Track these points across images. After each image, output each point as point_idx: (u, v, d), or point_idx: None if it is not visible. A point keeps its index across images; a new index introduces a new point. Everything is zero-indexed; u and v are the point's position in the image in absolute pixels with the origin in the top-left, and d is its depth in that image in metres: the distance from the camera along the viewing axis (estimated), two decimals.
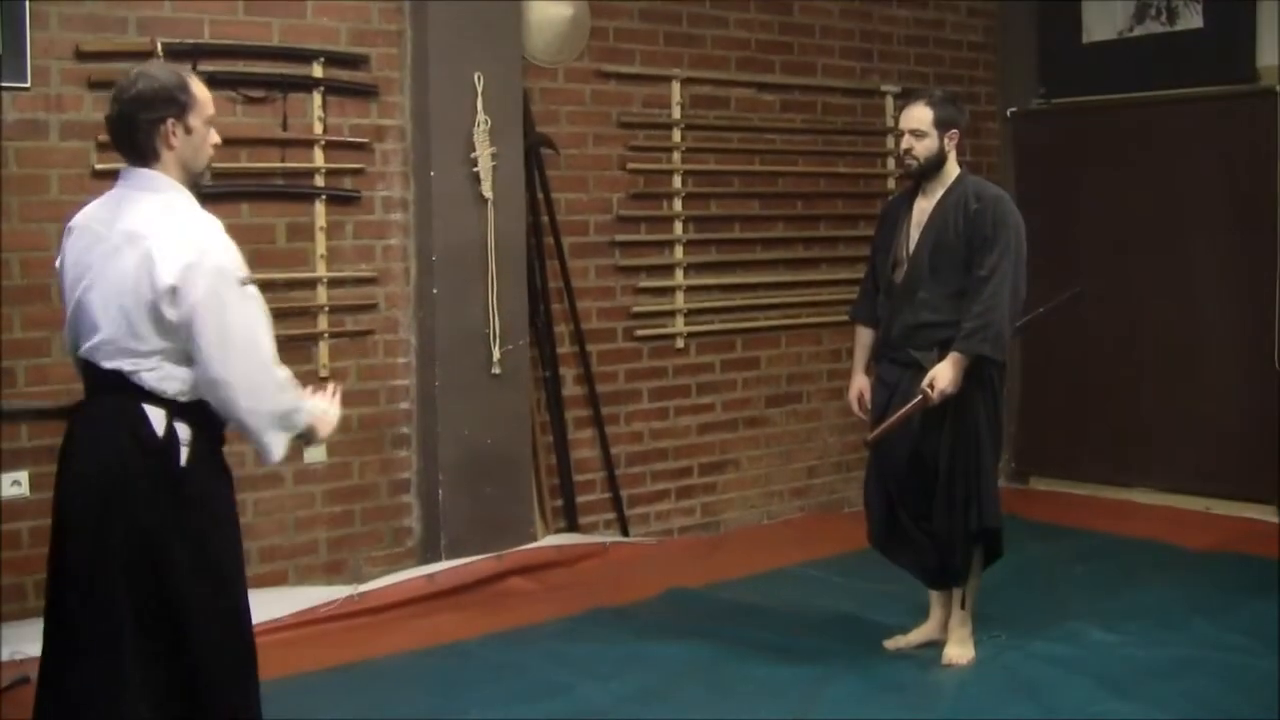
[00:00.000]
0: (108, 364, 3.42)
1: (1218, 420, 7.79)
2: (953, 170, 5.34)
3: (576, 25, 6.94)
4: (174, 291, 3.35)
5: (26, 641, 5.28)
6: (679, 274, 7.41)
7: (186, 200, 3.52)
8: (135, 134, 3.46)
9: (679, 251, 7.41)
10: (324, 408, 3.72)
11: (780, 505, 7.88)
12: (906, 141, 5.31)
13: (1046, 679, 5.18)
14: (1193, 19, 7.90)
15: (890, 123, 8.23)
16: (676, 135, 7.37)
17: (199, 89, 3.54)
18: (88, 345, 3.45)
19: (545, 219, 6.81)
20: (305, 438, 3.73)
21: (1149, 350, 8.10)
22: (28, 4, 5.42)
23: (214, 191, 5.82)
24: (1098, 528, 7.53)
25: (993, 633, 5.62)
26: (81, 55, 5.57)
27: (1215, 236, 7.81)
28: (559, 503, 6.92)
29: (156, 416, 3.42)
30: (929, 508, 5.32)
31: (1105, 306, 8.26)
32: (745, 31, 7.63)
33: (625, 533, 7.15)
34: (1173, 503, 7.90)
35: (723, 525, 7.60)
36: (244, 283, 3.48)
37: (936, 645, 5.46)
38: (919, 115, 5.29)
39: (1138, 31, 8.15)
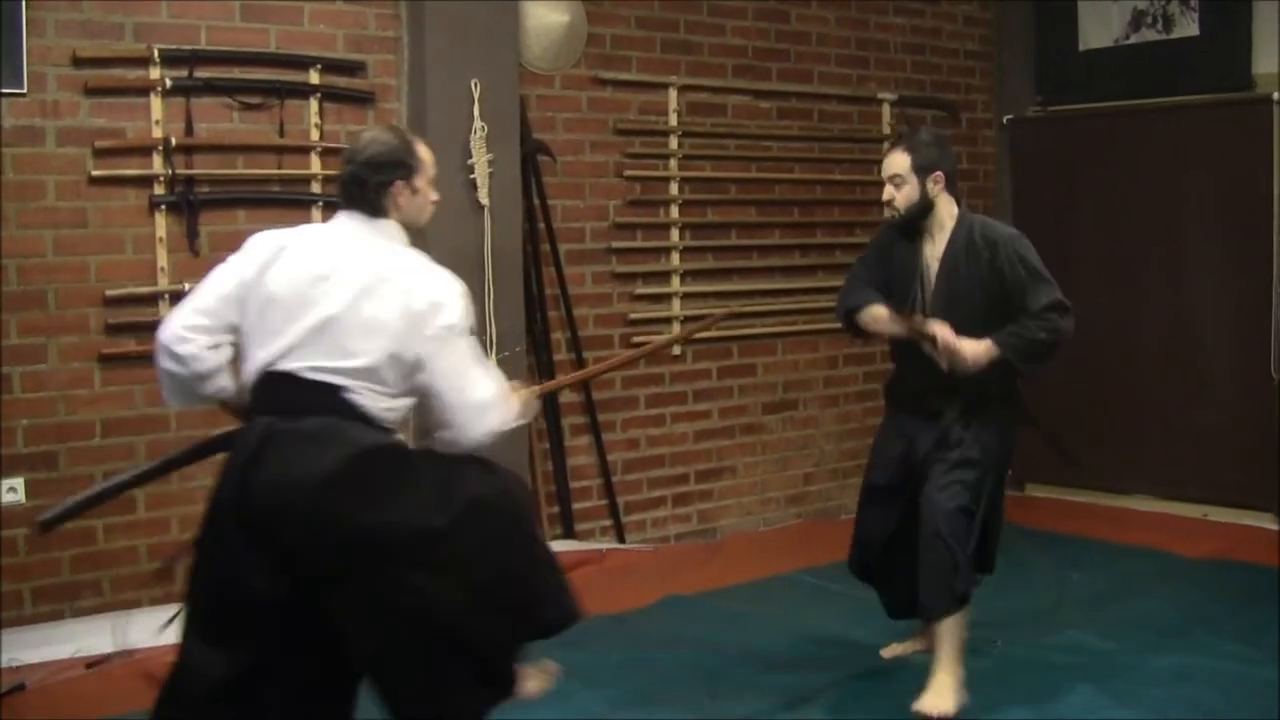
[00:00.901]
0: (323, 378, 3.57)
1: (1215, 427, 7.78)
2: (949, 211, 5.08)
3: (573, 32, 6.95)
4: (428, 334, 3.62)
5: (24, 649, 5.28)
6: (675, 281, 7.40)
7: (418, 254, 3.78)
8: (366, 193, 3.72)
9: (675, 258, 7.41)
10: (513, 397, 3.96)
11: (777, 512, 7.88)
12: (886, 192, 5.06)
13: (1044, 686, 5.17)
14: (1189, 27, 7.91)
15: (887, 130, 8.24)
16: (673, 142, 7.37)
17: (424, 152, 3.82)
18: (315, 364, 3.58)
19: (542, 226, 6.81)
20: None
21: (1146, 357, 8.09)
22: (24, 10, 5.41)
23: (210, 198, 5.86)
24: (1095, 535, 7.53)
25: (990, 640, 5.61)
26: (78, 61, 5.57)
27: (1212, 244, 7.81)
28: (555, 509, 6.92)
29: (373, 434, 3.60)
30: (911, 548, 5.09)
31: (1101, 314, 8.25)
32: (742, 39, 7.64)
33: (621, 539, 7.15)
34: (1170, 510, 7.90)
35: (719, 532, 7.60)
36: (471, 333, 3.75)
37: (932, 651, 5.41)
38: (897, 162, 5.02)
39: (1134, 39, 8.16)
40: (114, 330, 5.69)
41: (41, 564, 5.57)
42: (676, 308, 7.40)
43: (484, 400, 3.73)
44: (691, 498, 7.53)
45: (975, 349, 4.92)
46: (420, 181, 3.79)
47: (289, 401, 3.58)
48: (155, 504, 5.80)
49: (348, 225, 3.75)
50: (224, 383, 3.71)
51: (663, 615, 6.14)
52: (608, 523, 7.15)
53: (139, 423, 5.77)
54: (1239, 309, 7.68)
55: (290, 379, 3.59)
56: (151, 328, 5.64)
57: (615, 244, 7.17)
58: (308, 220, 6.11)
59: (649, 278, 7.33)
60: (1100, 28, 8.32)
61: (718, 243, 7.59)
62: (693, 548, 7.34)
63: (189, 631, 3.63)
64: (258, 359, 3.62)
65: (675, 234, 7.40)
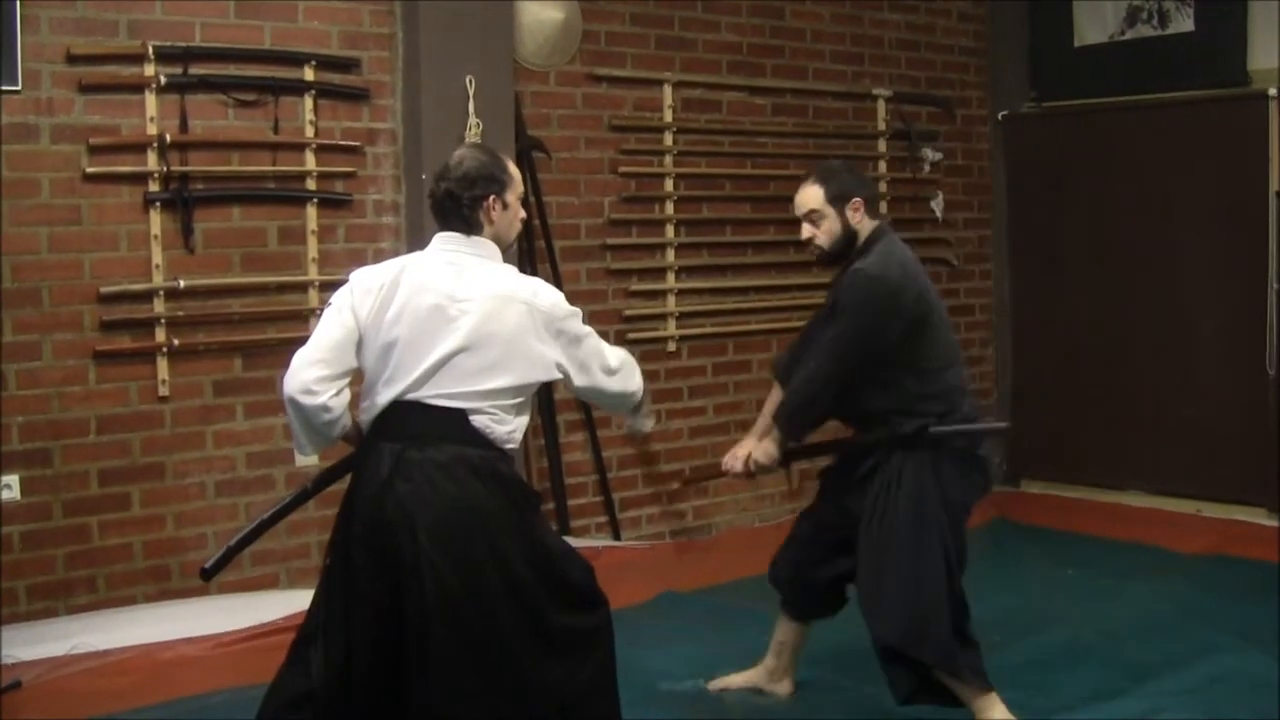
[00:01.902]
0: (454, 404, 3.73)
1: (1211, 423, 7.78)
2: (872, 236, 4.80)
3: (568, 29, 6.94)
4: (560, 333, 3.86)
5: (20, 645, 5.28)
6: (670, 277, 7.40)
7: (512, 268, 3.96)
8: (460, 209, 3.86)
9: (670, 255, 7.41)
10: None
11: (772, 509, 7.86)
12: (806, 230, 4.84)
13: (1039, 682, 5.18)
14: (1184, 22, 7.91)
15: (882, 126, 8.24)
16: (668, 139, 7.36)
17: (513, 169, 3.97)
18: (444, 391, 3.74)
19: (536, 222, 6.80)
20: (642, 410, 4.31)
21: (1141, 352, 8.10)
22: (18, 7, 5.40)
23: (204, 195, 5.86)
24: (1090, 530, 7.55)
25: (985, 635, 5.62)
26: (73, 59, 5.55)
27: (1207, 240, 7.81)
28: (551, 506, 6.91)
29: (503, 461, 3.82)
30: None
31: (1097, 309, 8.27)
32: (737, 35, 7.63)
33: (617, 536, 7.15)
34: (1165, 505, 7.90)
35: (714, 529, 7.59)
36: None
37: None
38: (810, 196, 4.80)
39: (1129, 35, 8.15)
40: (108, 327, 5.67)
41: (37, 561, 5.56)
42: (672, 304, 7.40)
43: (619, 383, 4.04)
44: (686, 494, 7.52)
45: (764, 445, 4.89)
46: (510, 196, 3.93)
47: (416, 428, 3.74)
48: (150, 501, 5.80)
49: (448, 248, 3.87)
50: (347, 422, 3.84)
51: (658, 612, 6.15)
52: (603, 519, 7.14)
53: (133, 419, 5.76)
54: (1235, 305, 7.68)
55: (418, 407, 3.74)
56: (146, 324, 5.71)
57: (610, 240, 7.17)
58: (303, 217, 6.12)
59: (644, 274, 7.32)
60: (1095, 24, 8.32)
61: (713, 239, 7.58)
62: (688, 544, 7.34)
63: (308, 640, 3.83)
64: (385, 395, 3.76)
65: (670, 230, 7.39)
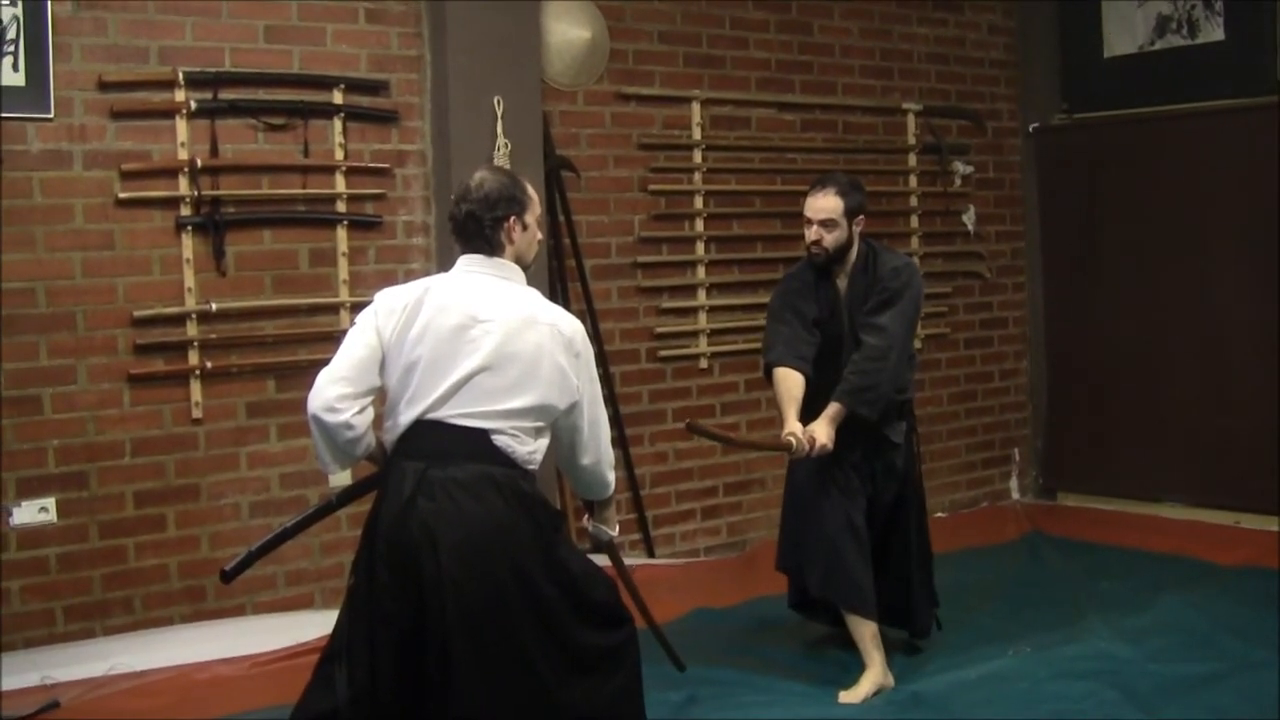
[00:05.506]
0: (476, 424, 3.77)
1: (1247, 433, 7.72)
2: (857, 247, 5.39)
3: (596, 48, 6.97)
4: (578, 357, 3.91)
5: (56, 666, 5.33)
6: (701, 294, 7.41)
7: (535, 292, 4.00)
8: (483, 230, 3.90)
9: (701, 272, 7.42)
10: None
11: None
12: (815, 233, 5.28)
13: (1072, 694, 5.17)
14: (1214, 32, 7.88)
15: (912, 140, 8.24)
16: (697, 156, 7.38)
17: (531, 190, 4.03)
18: (465, 410, 3.78)
19: (567, 241, 6.83)
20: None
21: (1176, 363, 8.05)
22: (50, 36, 5.47)
23: (235, 219, 5.90)
24: (1126, 543, 7.50)
25: (1019, 647, 5.61)
26: (104, 86, 5.62)
27: (1240, 248, 7.77)
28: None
29: (526, 480, 3.84)
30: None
31: (1131, 320, 8.23)
32: (765, 52, 7.65)
33: (651, 554, 7.15)
34: (1202, 517, 7.84)
35: (749, 544, 7.58)
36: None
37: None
38: (831, 206, 5.26)
39: (1159, 45, 8.13)
40: (142, 350, 5.73)
41: (74, 582, 5.62)
42: (703, 321, 7.41)
43: (609, 452, 4.12)
44: (720, 510, 7.53)
45: (827, 429, 5.21)
46: (530, 217, 3.97)
47: (439, 447, 3.77)
48: (185, 522, 5.85)
49: (472, 269, 3.92)
50: (371, 440, 3.87)
51: (692, 629, 6.14)
52: (636, 536, 7.15)
53: (168, 442, 5.82)
54: (1269, 314, 7.62)
55: (440, 426, 3.77)
56: (179, 348, 5.77)
57: (640, 258, 7.19)
58: (334, 239, 6.16)
59: (675, 291, 7.34)
60: (1125, 34, 8.30)
61: (743, 256, 7.59)
62: (722, 561, 7.33)
63: (333, 659, 3.85)
64: (408, 415, 3.80)
65: (700, 248, 7.41)
